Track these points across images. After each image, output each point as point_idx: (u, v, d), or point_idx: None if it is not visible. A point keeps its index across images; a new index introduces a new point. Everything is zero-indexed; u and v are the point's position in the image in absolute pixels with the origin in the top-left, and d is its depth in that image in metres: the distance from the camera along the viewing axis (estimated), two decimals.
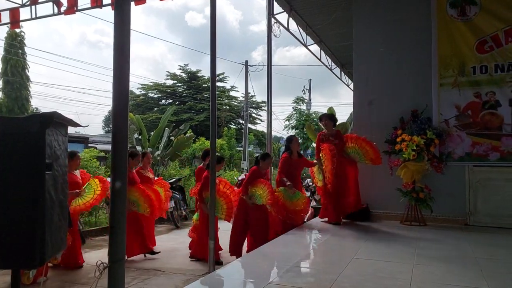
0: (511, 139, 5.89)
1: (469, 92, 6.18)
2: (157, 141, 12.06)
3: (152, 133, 12.65)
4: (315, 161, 6.67)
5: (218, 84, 30.58)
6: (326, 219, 6.34)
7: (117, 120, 2.42)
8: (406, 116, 6.32)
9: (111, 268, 2.30)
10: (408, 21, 6.68)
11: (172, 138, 12.56)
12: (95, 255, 6.09)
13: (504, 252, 4.57)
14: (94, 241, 7.27)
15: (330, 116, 6.54)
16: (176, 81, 32.40)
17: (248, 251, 5.53)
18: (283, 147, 7.04)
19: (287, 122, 24.59)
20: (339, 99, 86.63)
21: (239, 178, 11.89)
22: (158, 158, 11.73)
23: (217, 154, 5.93)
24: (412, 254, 4.36)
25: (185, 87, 31.69)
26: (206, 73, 32.64)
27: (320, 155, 6.27)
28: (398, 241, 5.12)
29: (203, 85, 30.94)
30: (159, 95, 32.16)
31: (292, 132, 22.85)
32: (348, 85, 15.46)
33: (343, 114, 50.96)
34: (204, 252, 5.37)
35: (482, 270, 3.73)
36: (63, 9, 7.13)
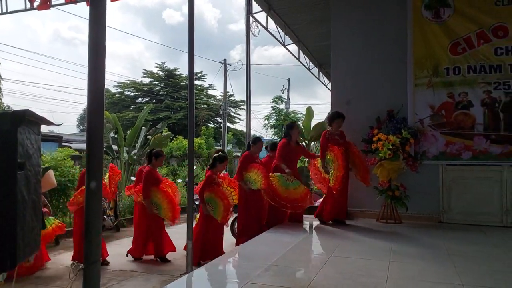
0: (483, 138, 6.07)
1: (443, 93, 6.32)
2: (133, 140, 11.87)
3: (128, 132, 12.44)
4: (317, 154, 6.62)
5: (196, 82, 30.32)
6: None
7: (92, 118, 2.36)
8: (382, 115, 6.42)
9: (86, 269, 2.25)
10: (385, 22, 6.80)
11: (149, 137, 12.37)
12: (70, 257, 5.93)
13: (476, 248, 4.71)
14: (68, 242, 7.09)
15: (343, 116, 6.25)
16: (153, 79, 32.01)
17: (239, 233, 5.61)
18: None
19: (266, 121, 24.54)
20: (317, 99, 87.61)
21: None
22: (135, 157, 11.56)
23: (221, 153, 5.89)
24: (388, 251, 4.43)
25: (162, 85, 31.34)
26: (183, 71, 32.20)
27: (328, 156, 6.01)
28: (374, 239, 5.21)
29: (181, 83, 30.67)
30: (136, 93, 31.69)
31: (271, 132, 22.82)
32: (326, 85, 15.62)
33: (321, 114, 51.25)
34: (199, 254, 5.36)
35: (456, 266, 3.83)
36: (36, 4, 6.92)
